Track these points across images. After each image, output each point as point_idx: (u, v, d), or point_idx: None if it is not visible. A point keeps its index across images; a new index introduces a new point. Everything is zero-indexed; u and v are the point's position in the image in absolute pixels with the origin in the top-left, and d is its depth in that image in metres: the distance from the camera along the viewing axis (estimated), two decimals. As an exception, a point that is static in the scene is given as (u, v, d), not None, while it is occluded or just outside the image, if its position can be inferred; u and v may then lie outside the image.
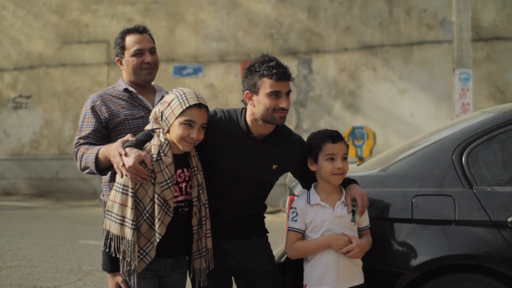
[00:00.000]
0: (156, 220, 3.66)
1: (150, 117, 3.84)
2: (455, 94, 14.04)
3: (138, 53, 4.33)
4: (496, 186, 4.11)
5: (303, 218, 4.00)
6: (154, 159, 3.69)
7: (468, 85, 13.95)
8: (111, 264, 3.78)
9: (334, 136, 3.97)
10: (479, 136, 4.22)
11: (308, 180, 4.18)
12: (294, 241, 4.01)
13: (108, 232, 3.71)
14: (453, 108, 14.33)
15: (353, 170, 4.78)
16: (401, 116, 15.89)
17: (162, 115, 3.74)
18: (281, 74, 3.81)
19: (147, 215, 3.67)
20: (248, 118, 3.97)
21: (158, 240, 3.68)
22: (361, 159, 15.49)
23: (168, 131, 3.75)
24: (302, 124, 16.59)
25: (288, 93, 3.88)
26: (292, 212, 4.03)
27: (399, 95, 16.10)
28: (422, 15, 16.04)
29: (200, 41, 17.66)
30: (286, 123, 4.08)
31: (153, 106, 4.24)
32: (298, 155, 4.12)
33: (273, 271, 4.19)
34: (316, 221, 3.97)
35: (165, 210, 3.68)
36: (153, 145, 3.73)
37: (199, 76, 17.66)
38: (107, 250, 3.73)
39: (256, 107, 3.89)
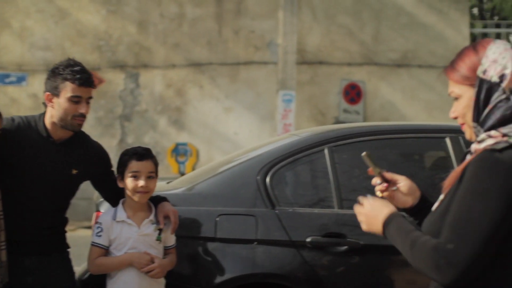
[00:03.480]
0: None
1: None
2: (278, 114, 14.42)
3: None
4: (297, 207, 4.25)
5: (107, 234, 3.95)
6: None
7: (290, 107, 14.37)
8: None
9: (139, 154, 3.96)
10: (284, 158, 4.34)
11: (108, 192, 4.16)
12: (97, 256, 3.95)
13: None
14: (275, 128, 14.71)
15: (162, 188, 4.79)
16: (226, 134, 16.11)
17: None
18: (84, 80, 3.81)
19: None
20: (47, 121, 3.89)
21: None
22: (182, 175, 15.51)
23: None
24: (127, 138, 16.41)
25: (88, 99, 3.87)
26: (97, 228, 3.97)
27: (225, 113, 16.30)
28: (250, 36, 16.37)
29: (26, 49, 17.12)
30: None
31: None
32: (97, 161, 4.09)
33: None
34: (121, 238, 3.94)
35: None
36: None
37: (22, 85, 17.09)
38: None
39: (56, 110, 3.83)
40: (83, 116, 3.85)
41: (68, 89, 3.79)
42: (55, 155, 3.92)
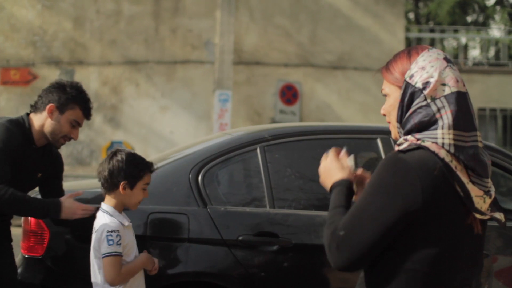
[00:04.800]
0: None
1: None
2: (214, 114, 14.42)
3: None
4: (229, 206, 4.25)
5: (123, 241, 3.72)
6: None
7: (227, 106, 14.38)
8: None
9: (151, 166, 3.86)
10: (216, 157, 4.34)
11: (49, 193, 4.21)
12: (121, 266, 3.68)
13: None
14: (212, 128, 14.70)
15: (94, 186, 4.74)
16: (161, 133, 16.03)
17: None
18: (90, 113, 4.11)
19: None
20: (36, 127, 4.03)
21: None
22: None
23: None
24: (61, 135, 16.24)
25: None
26: (116, 236, 3.67)
27: (160, 112, 16.23)
28: (188, 35, 16.32)
29: (-43, 43, 16.77)
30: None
31: None
32: (55, 167, 4.23)
33: (16, 281, 4.12)
34: (130, 243, 3.77)
35: None
36: None
37: (-47, 80, 16.74)
38: None
39: (51, 123, 3.99)
40: (69, 139, 4.08)
41: (74, 113, 4.02)
42: (30, 159, 4.03)
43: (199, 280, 4.22)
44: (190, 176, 4.27)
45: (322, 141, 4.64)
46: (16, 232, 4.35)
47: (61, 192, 4.24)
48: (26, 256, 4.23)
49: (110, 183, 3.72)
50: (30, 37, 16.55)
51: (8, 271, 4.07)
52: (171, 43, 16.35)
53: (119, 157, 3.73)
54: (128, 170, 3.70)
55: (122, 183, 3.69)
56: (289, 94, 16.22)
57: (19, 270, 4.22)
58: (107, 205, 3.75)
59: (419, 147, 2.31)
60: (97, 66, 16.40)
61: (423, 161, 2.28)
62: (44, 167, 4.14)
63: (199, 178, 4.27)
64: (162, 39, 16.34)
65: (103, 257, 3.64)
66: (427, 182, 2.26)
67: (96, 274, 3.71)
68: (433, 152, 2.29)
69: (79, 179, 6.03)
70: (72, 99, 4.02)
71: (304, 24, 16.65)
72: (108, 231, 3.64)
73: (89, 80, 16.25)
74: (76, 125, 4.07)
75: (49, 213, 3.90)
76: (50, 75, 16.22)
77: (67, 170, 4.42)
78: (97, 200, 4.24)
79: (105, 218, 3.70)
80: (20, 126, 3.99)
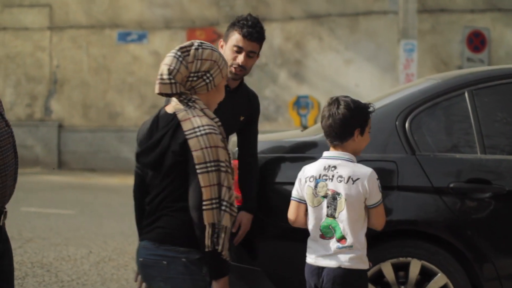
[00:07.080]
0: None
1: (171, 79, 3.17)
2: (400, 64, 14.14)
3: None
4: (438, 153, 4.13)
5: None
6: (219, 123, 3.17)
7: (412, 56, 14.06)
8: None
9: (372, 109, 3.79)
10: (423, 103, 4.23)
11: (245, 138, 4.29)
12: None
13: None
14: (397, 79, 14.44)
15: (297, 135, 4.77)
16: (346, 86, 15.94)
17: (205, 75, 3.14)
18: (249, 34, 3.95)
19: None
20: None
21: None
22: (305, 128, 15.51)
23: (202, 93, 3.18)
24: (248, 92, 16.55)
25: (250, 53, 3.99)
26: None
27: (345, 65, 16.13)
28: (369, -15, 16.08)
29: (145, 7, 17.41)
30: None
31: None
32: (255, 108, 4.28)
33: None
34: None
35: None
36: (206, 109, 3.13)
37: (143, 43, 17.43)
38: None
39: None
40: (240, 67, 3.98)
41: (233, 38, 3.98)
42: (228, 103, 4.00)
43: (407, 228, 4.14)
44: (397, 122, 4.18)
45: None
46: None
47: (256, 135, 4.30)
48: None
49: (343, 133, 3.62)
50: (213, -3, 16.92)
51: None
52: (353, -5, 16.16)
53: (344, 105, 3.64)
54: (359, 116, 3.63)
55: (356, 130, 3.63)
56: (477, 41, 15.60)
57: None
58: (347, 153, 3.63)
59: None
60: (280, 22, 16.50)
61: None
62: (246, 111, 4.17)
63: (406, 124, 4.17)
64: (343, -9, 16.19)
65: (377, 205, 3.62)
66: None
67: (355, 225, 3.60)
68: None
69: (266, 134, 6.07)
70: (231, 26, 4.02)
71: (490, -33, 15.92)
72: (377, 179, 3.62)
73: (272, 36, 16.40)
74: (239, 50, 3.95)
75: None
76: (235, 34, 16.52)
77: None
78: (294, 150, 4.28)
79: (360, 166, 3.62)
80: None
